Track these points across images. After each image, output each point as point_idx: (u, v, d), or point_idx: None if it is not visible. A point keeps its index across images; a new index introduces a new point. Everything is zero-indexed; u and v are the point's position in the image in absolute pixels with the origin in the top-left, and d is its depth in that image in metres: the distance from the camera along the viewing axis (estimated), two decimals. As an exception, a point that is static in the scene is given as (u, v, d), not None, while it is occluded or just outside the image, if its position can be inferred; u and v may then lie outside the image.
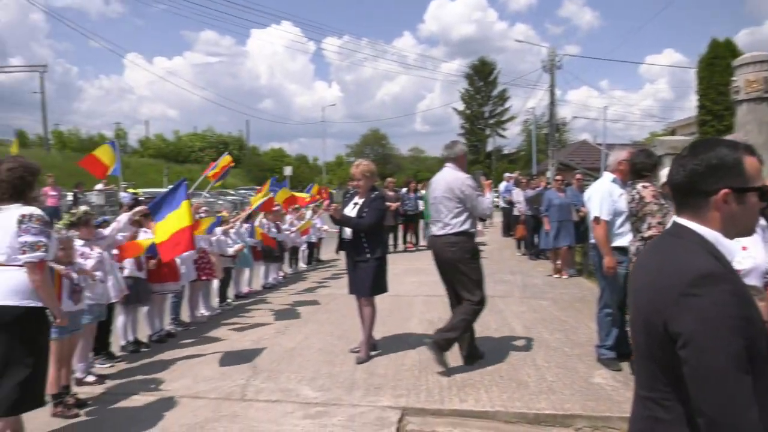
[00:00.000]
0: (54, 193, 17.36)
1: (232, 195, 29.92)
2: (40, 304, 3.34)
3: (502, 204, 15.85)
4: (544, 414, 3.96)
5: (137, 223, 5.80)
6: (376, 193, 5.37)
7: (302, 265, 11.98)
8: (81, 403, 4.26)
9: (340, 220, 5.23)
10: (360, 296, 5.33)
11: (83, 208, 5.05)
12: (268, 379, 4.75)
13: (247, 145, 61.47)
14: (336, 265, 12.01)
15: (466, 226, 4.89)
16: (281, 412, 4.06)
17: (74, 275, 4.26)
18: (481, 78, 60.54)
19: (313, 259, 12.54)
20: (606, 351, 4.93)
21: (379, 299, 5.46)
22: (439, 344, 4.79)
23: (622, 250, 4.77)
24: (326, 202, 6.15)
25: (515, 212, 13.48)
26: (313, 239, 12.17)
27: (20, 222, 3.30)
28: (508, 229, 16.39)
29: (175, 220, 5.29)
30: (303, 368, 5.02)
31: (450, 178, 4.98)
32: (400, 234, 14.32)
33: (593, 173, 23.18)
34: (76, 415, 4.07)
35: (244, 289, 8.76)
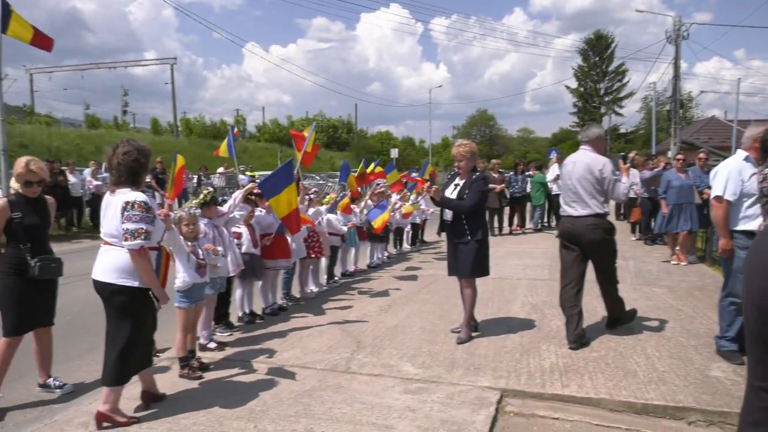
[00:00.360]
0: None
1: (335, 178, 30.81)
2: (137, 284, 3.55)
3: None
4: (653, 405, 3.78)
5: (253, 203, 6.19)
6: (477, 174, 5.27)
7: (406, 245, 12.15)
8: (204, 367, 4.68)
9: (441, 202, 5.21)
10: (461, 278, 5.30)
11: (209, 189, 5.44)
12: (371, 354, 4.93)
13: (355, 129, 62.90)
14: (439, 246, 12.06)
15: (605, 208, 5.12)
16: (383, 386, 4.21)
17: (199, 251, 4.64)
18: (597, 53, 57.33)
19: (417, 240, 12.67)
20: (727, 343, 4.58)
21: (481, 281, 5.45)
22: (621, 320, 5.43)
23: (750, 234, 4.38)
24: (427, 184, 6.14)
25: (630, 194, 12.73)
26: (417, 220, 12.28)
27: (123, 209, 3.50)
28: (621, 211, 15.55)
29: (286, 199, 5.64)
30: (404, 345, 5.15)
31: (589, 160, 5.10)
32: (506, 216, 14.07)
33: (722, 153, 21.29)
34: (200, 377, 4.48)
35: (351, 267, 9.07)
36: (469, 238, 5.09)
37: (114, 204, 3.58)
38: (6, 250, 4.10)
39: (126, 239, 3.47)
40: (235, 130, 8.76)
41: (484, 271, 5.27)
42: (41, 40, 11.10)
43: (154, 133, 45.80)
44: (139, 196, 3.56)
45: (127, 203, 3.50)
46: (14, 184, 14.01)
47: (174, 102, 40.90)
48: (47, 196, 4.44)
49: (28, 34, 10.81)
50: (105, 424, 3.56)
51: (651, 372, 4.33)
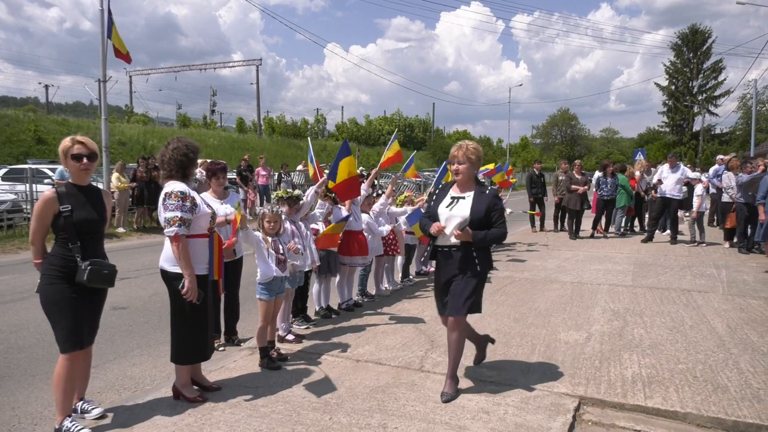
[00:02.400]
0: (264, 172, 19.60)
1: (417, 177, 30.88)
2: (195, 273, 3.75)
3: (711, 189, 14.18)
4: (746, 423, 3.54)
5: (332, 201, 6.33)
6: (489, 188, 4.13)
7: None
8: (282, 358, 4.85)
9: (476, 240, 3.93)
10: (451, 315, 4.03)
11: (297, 191, 5.61)
12: (444, 354, 4.88)
13: (432, 128, 62.78)
14: (515, 248, 11.84)
15: None
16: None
17: (280, 246, 4.80)
18: (691, 48, 54.21)
19: (494, 242, 12.47)
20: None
21: (559, 285, 5.30)
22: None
23: None
24: (420, 200, 5.62)
25: (725, 198, 11.95)
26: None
27: (162, 200, 3.73)
28: (715, 217, 14.64)
29: (345, 168, 6.05)
30: (479, 347, 5.10)
31: None
32: (586, 219, 13.60)
33: (833, 155, 19.49)
34: (279, 368, 4.64)
35: (426, 267, 9.09)
36: (478, 269, 4.02)
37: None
38: (52, 249, 3.50)
39: (165, 227, 3.70)
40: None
41: (478, 306, 4.12)
42: (124, 56, 14.33)
43: (239, 132, 47.78)
44: (177, 185, 3.73)
45: (165, 194, 3.72)
46: (114, 180, 15.02)
47: (258, 102, 42.53)
48: (104, 189, 4.00)
49: (122, 46, 14.13)
50: (181, 397, 3.95)
51: (744, 388, 4.06)
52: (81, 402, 3.73)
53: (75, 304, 3.42)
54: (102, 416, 3.68)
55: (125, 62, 14.62)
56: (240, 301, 5.46)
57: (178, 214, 3.66)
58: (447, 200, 4.09)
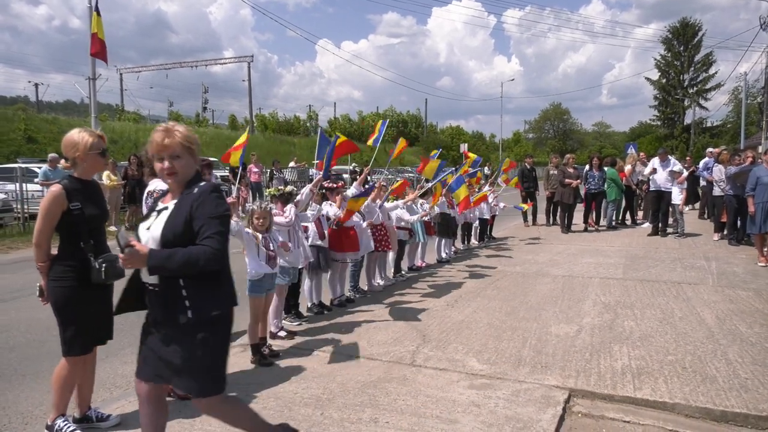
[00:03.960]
0: (256, 169, 19.55)
1: (410, 172, 30.92)
2: None
3: (702, 183, 14.26)
4: (733, 412, 3.58)
5: (321, 197, 6.32)
6: (204, 184, 2.67)
7: (474, 241, 12.04)
8: (274, 354, 4.85)
9: (138, 265, 2.53)
10: (199, 396, 2.65)
11: (289, 188, 5.61)
12: (436, 348, 4.94)
13: (424, 123, 62.81)
14: (507, 242, 11.90)
15: None
16: (447, 380, 4.21)
17: (271, 243, 4.80)
18: (682, 42, 54.44)
19: (486, 236, 12.53)
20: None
21: (551, 278, 5.34)
22: None
23: None
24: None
25: (716, 192, 12.03)
26: (486, 216, 12.14)
27: (144, 199, 3.73)
28: (705, 209, 14.73)
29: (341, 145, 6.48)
30: (470, 340, 5.13)
31: None
32: (578, 213, 13.66)
33: (822, 147, 19.64)
34: (270, 364, 4.65)
35: (418, 262, 9.10)
36: (189, 315, 2.53)
37: None
38: (60, 250, 3.31)
39: None
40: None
41: (219, 381, 2.68)
42: (102, 54, 13.66)
43: (231, 129, 47.61)
44: (159, 184, 3.66)
45: (147, 192, 3.72)
46: (105, 179, 14.84)
47: (250, 98, 42.40)
48: (99, 181, 3.72)
49: (100, 30, 13.37)
50: (172, 395, 3.87)
51: (732, 378, 4.10)
52: (93, 410, 3.61)
53: (90, 307, 3.30)
54: (117, 424, 3.58)
55: (102, 61, 14.11)
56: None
57: None
58: (153, 216, 2.72)
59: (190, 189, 2.66)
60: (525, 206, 14.15)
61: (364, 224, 6.84)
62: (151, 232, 2.62)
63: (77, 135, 3.31)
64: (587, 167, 13.72)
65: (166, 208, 2.67)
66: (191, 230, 2.54)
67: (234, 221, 4.52)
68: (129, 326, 5.92)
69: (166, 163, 2.63)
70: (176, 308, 2.55)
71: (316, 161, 6.12)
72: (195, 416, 3.62)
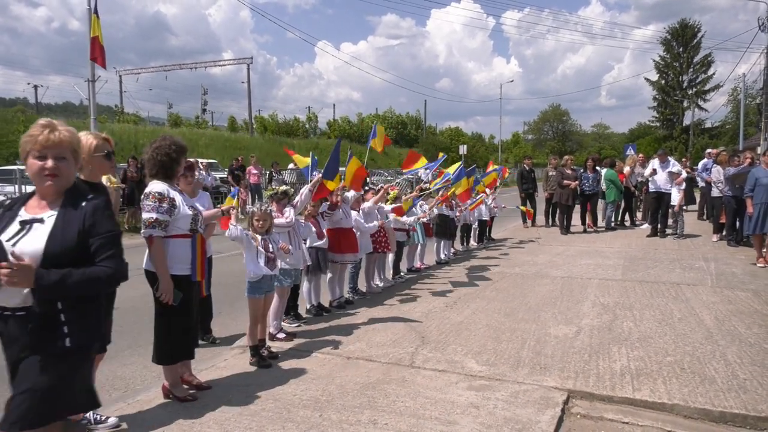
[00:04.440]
0: (255, 171, 19.54)
1: (407, 174, 30.92)
2: (177, 273, 3.71)
3: (700, 183, 14.27)
4: (732, 413, 3.58)
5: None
6: (94, 197, 2.48)
7: (473, 242, 12.05)
8: (273, 356, 4.85)
9: (24, 285, 2.18)
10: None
11: (284, 187, 5.60)
12: (435, 350, 4.94)
13: (424, 125, 62.84)
14: (506, 244, 11.90)
15: None
16: (446, 382, 4.21)
17: (270, 245, 4.79)
18: (681, 43, 54.49)
19: (485, 237, 12.54)
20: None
21: (549, 280, 5.34)
22: None
23: None
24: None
25: (715, 193, 12.03)
26: (485, 217, 12.15)
27: (141, 201, 3.73)
28: (704, 211, 14.74)
29: (351, 168, 6.58)
30: (469, 342, 5.13)
31: None
32: (576, 215, 13.67)
33: (820, 148, 19.65)
34: (269, 366, 4.64)
35: (417, 263, 9.10)
36: (68, 343, 2.31)
37: None
38: None
39: (142, 228, 3.69)
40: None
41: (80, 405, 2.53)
42: (101, 59, 13.94)
43: (230, 131, 47.62)
44: (155, 186, 3.70)
45: (144, 194, 3.71)
46: (104, 180, 14.96)
47: (249, 100, 42.37)
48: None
49: (101, 39, 13.73)
50: (171, 396, 3.93)
51: (731, 379, 4.10)
52: (90, 413, 3.49)
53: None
54: (117, 425, 3.54)
55: (100, 66, 14.24)
56: (230, 300, 5.46)
57: (154, 215, 3.65)
58: (13, 227, 2.33)
59: (75, 200, 2.41)
60: (526, 209, 14.16)
61: (377, 225, 7.06)
62: (21, 246, 2.23)
63: (81, 137, 3.26)
64: (582, 169, 13.75)
65: (39, 220, 2.33)
66: (84, 247, 2.31)
67: (232, 225, 4.54)
68: (128, 328, 5.94)
69: (50, 163, 2.34)
70: (51, 334, 2.26)
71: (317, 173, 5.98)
72: (194, 417, 3.62)
